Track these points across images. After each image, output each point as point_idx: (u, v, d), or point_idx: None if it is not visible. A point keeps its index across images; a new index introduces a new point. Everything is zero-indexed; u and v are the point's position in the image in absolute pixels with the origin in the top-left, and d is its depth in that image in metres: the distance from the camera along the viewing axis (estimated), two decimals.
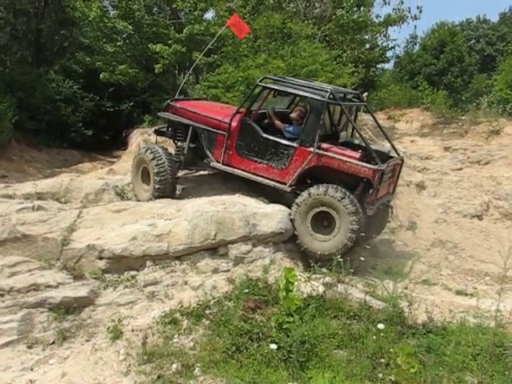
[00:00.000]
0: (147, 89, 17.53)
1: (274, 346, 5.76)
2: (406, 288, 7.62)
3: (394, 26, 19.62)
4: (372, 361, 5.73)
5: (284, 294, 6.37)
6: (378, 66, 26.14)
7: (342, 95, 9.35)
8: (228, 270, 7.67)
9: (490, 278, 9.75)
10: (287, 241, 8.52)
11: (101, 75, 16.19)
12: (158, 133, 10.44)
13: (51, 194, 9.41)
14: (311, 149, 8.49)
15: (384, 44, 22.67)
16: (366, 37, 21.01)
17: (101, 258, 7.58)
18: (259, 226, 8.13)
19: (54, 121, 16.68)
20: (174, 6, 16.39)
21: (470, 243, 11.11)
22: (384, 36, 20.95)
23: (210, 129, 9.37)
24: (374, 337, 6.02)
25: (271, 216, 8.31)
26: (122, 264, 7.58)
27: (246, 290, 6.81)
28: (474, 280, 9.72)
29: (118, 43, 16.50)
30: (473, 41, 30.15)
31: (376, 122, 10.40)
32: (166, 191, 9.38)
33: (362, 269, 8.92)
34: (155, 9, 17.59)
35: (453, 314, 6.73)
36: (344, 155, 8.44)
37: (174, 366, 5.86)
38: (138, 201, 9.58)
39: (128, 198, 9.68)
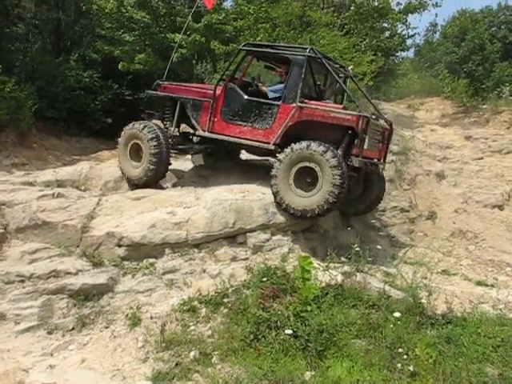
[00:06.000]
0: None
1: (289, 332, 5.79)
2: (426, 278, 7.53)
3: (415, 14, 19.41)
4: (390, 351, 5.71)
5: (301, 282, 6.37)
6: (397, 54, 25.86)
7: (327, 59, 9.21)
8: (246, 259, 7.66)
9: (510, 268, 9.63)
10: (306, 229, 8.51)
11: (119, 64, 16.24)
12: (148, 115, 10.40)
13: (71, 181, 9.46)
14: (294, 104, 8.44)
15: (404, 32, 22.42)
16: (386, 25, 20.77)
17: (120, 246, 7.63)
18: (278, 214, 8.12)
19: (73, 109, 16.77)
20: None
21: (490, 233, 10.98)
22: (404, 24, 20.72)
23: (194, 98, 9.45)
24: (393, 326, 6.00)
25: None
26: (141, 251, 7.62)
27: (264, 279, 6.81)
28: (494, 271, 9.61)
29: (136, 33, 16.52)
30: (494, 28, 29.57)
31: (360, 89, 10.29)
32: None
33: (381, 258, 8.88)
34: None
35: (473, 305, 6.65)
36: (326, 106, 8.50)
37: (192, 353, 5.89)
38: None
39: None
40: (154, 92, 10.26)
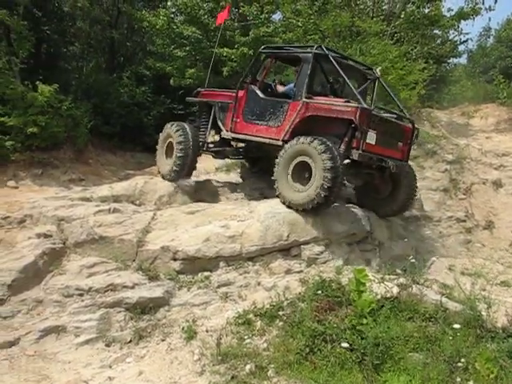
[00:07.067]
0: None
1: (346, 345, 5.73)
2: (484, 290, 7.30)
3: (467, 20, 19.01)
4: (449, 365, 5.57)
5: (356, 295, 6.30)
6: (449, 61, 25.40)
7: (344, 59, 9.45)
8: (301, 271, 7.64)
9: None
10: (360, 241, 8.43)
11: (171, 80, 16.51)
12: (190, 121, 10.97)
13: (126, 196, 9.65)
14: (301, 100, 8.57)
15: (456, 38, 22.01)
16: (437, 31, 20.44)
17: (175, 259, 7.73)
18: (332, 226, 8.07)
19: (127, 125, 17.14)
20: (240, 10, 16.54)
21: None
22: (456, 30, 20.36)
23: (222, 101, 9.95)
24: (451, 340, 5.86)
25: (344, 216, 8.24)
26: (196, 265, 7.70)
27: (319, 291, 6.76)
28: None
29: (187, 48, 16.77)
30: None
31: (385, 88, 9.97)
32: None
33: (438, 269, 8.71)
34: None
35: None
36: (329, 100, 8.62)
37: (248, 366, 5.88)
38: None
39: (201, 199, 9.77)
40: (192, 99, 10.91)
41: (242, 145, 10.48)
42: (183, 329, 6.77)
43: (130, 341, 6.77)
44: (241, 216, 8.30)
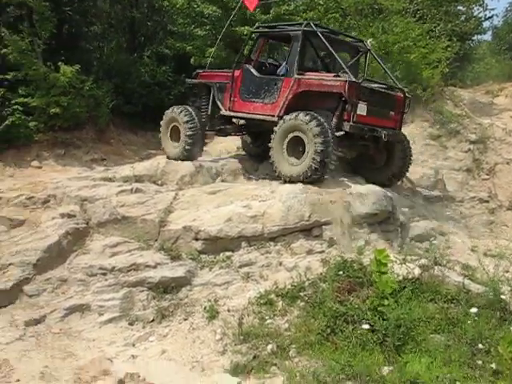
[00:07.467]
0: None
1: (367, 326, 5.76)
2: (507, 271, 7.29)
3: None
4: (471, 347, 5.59)
5: (377, 275, 6.31)
6: (473, 38, 24.89)
7: (334, 34, 9.83)
8: (322, 251, 7.65)
9: None
10: (382, 222, 8.40)
11: (191, 59, 16.44)
12: (192, 102, 11.15)
13: (148, 176, 9.70)
14: (293, 77, 8.86)
15: (480, 14, 21.54)
16: (461, 8, 20.03)
17: (197, 239, 7.79)
18: (354, 206, 8.07)
19: (148, 104, 17.09)
20: None
21: None
22: (480, 6, 19.94)
23: (219, 81, 10.26)
24: (473, 322, 5.86)
25: (366, 197, 8.25)
26: (218, 245, 7.74)
27: (341, 272, 6.80)
28: None
29: (207, 27, 16.67)
30: None
31: (378, 62, 10.16)
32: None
33: (460, 250, 8.66)
34: None
35: None
36: (319, 76, 8.98)
37: (270, 346, 5.96)
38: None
39: (222, 179, 9.81)
40: (191, 80, 11.19)
41: (242, 122, 10.73)
42: (205, 308, 6.85)
43: (153, 320, 6.87)
44: (262, 196, 8.31)
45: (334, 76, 8.75)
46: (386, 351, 5.63)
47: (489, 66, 20.89)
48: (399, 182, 10.05)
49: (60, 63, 12.92)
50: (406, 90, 9.49)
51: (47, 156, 12.60)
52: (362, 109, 8.46)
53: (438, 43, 14.99)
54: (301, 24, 9.28)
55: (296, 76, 8.83)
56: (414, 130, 12.30)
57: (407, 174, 9.95)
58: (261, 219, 7.82)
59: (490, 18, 21.45)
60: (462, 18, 20.27)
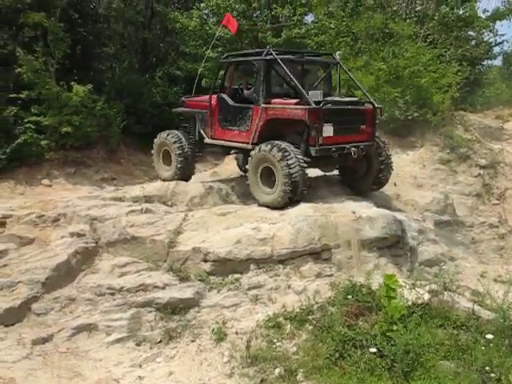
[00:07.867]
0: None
1: (375, 351, 5.71)
2: None
3: (503, 20, 18.71)
4: (481, 374, 5.50)
5: (386, 301, 6.26)
6: (483, 63, 24.94)
7: (299, 55, 9.95)
8: (331, 275, 7.61)
9: None
10: (391, 246, 8.36)
11: (203, 81, 16.56)
12: (182, 128, 11.36)
13: (158, 196, 9.74)
14: (261, 105, 9.03)
15: (491, 40, 21.64)
16: (471, 33, 20.12)
17: (206, 261, 7.78)
18: (363, 230, 8.04)
19: (159, 125, 17.15)
20: (273, 12, 16.53)
21: None
22: (491, 31, 20.02)
23: (200, 110, 10.46)
24: (484, 349, 5.78)
25: (375, 220, 8.21)
26: (227, 267, 7.73)
27: (350, 296, 6.74)
28: None
29: (219, 49, 16.82)
30: None
31: (347, 74, 10.28)
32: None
33: (470, 276, 8.60)
34: (255, 14, 17.73)
35: None
36: (282, 103, 9.04)
37: (277, 370, 5.92)
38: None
39: (232, 201, 9.83)
40: (176, 109, 11.63)
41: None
42: (213, 330, 6.83)
43: (160, 341, 6.85)
44: (272, 218, 8.32)
45: (296, 103, 8.87)
46: (394, 377, 5.56)
47: (499, 91, 20.89)
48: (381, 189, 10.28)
49: (73, 83, 13.10)
50: (374, 100, 9.61)
51: (58, 174, 12.70)
52: (327, 130, 8.59)
53: (449, 68, 15.05)
54: (262, 53, 9.36)
55: (262, 105, 9.04)
56: (423, 155, 12.31)
57: (416, 199, 9.93)
58: (270, 242, 7.80)
59: (500, 43, 21.53)
60: (473, 43, 20.34)
